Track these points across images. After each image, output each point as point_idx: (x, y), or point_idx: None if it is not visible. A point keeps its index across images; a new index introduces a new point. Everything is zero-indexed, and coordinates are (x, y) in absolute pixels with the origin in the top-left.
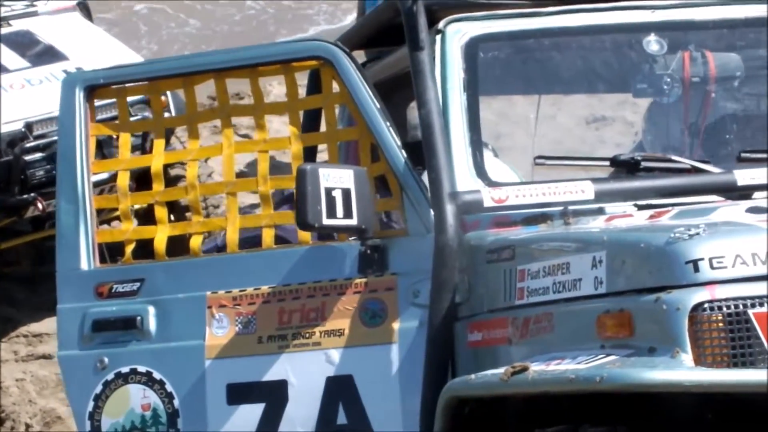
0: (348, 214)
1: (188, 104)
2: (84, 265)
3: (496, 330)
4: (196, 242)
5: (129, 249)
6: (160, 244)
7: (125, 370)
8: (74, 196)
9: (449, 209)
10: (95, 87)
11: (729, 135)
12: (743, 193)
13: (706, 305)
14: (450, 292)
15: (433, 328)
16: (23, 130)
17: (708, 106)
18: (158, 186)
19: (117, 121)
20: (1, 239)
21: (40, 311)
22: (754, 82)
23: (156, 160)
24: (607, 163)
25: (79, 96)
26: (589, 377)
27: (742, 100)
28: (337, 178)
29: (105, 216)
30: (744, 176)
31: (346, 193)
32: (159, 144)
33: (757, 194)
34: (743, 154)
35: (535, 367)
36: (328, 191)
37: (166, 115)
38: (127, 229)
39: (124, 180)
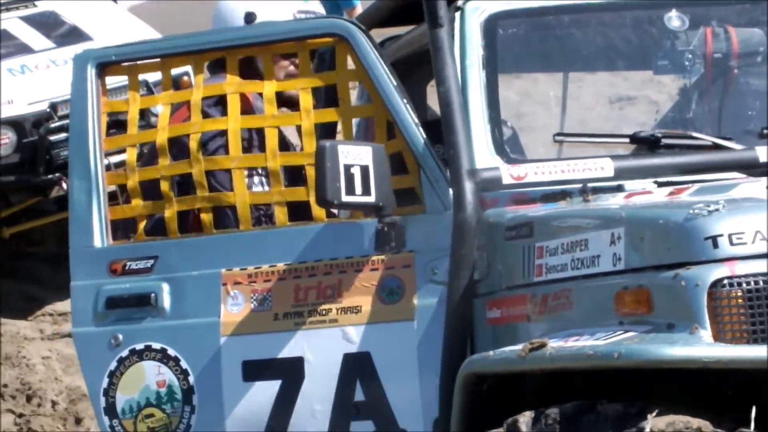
0: (366, 191)
1: (196, 80)
2: (97, 243)
3: (514, 307)
4: (206, 218)
5: (141, 226)
6: (171, 221)
7: (140, 346)
8: (87, 174)
9: (468, 186)
10: (107, 64)
11: (751, 111)
12: (765, 169)
13: (725, 281)
14: (469, 269)
15: (452, 305)
16: (48, 110)
17: (730, 82)
18: (164, 161)
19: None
20: (27, 219)
21: (65, 290)
22: None
23: (161, 135)
24: (627, 140)
25: (91, 73)
26: (607, 353)
27: (764, 76)
28: (355, 155)
29: None
30: (766, 153)
31: (364, 170)
32: (164, 118)
33: None
34: (765, 131)
35: (554, 344)
36: (347, 168)
37: None
38: (138, 205)
39: (132, 155)
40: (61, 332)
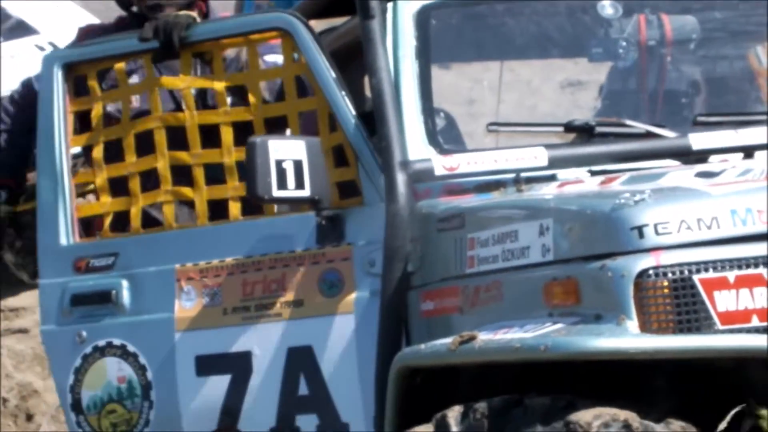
0: (300, 185)
1: (148, 75)
2: (63, 241)
3: (447, 299)
4: (167, 212)
5: (107, 222)
6: (135, 217)
7: (102, 343)
8: (53, 173)
9: (400, 178)
10: (73, 64)
11: (685, 99)
12: (699, 157)
13: (650, 271)
14: (402, 261)
15: (386, 298)
16: None
17: (664, 69)
18: (131, 157)
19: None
20: None
21: (16, 285)
22: (710, 45)
23: (126, 130)
24: (561, 128)
25: (57, 74)
26: (533, 346)
27: (698, 63)
28: (288, 150)
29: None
30: (698, 140)
31: (297, 164)
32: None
33: (712, 158)
34: (699, 118)
35: (483, 336)
36: (279, 163)
37: None
38: (105, 203)
39: (99, 152)
40: (12, 328)
